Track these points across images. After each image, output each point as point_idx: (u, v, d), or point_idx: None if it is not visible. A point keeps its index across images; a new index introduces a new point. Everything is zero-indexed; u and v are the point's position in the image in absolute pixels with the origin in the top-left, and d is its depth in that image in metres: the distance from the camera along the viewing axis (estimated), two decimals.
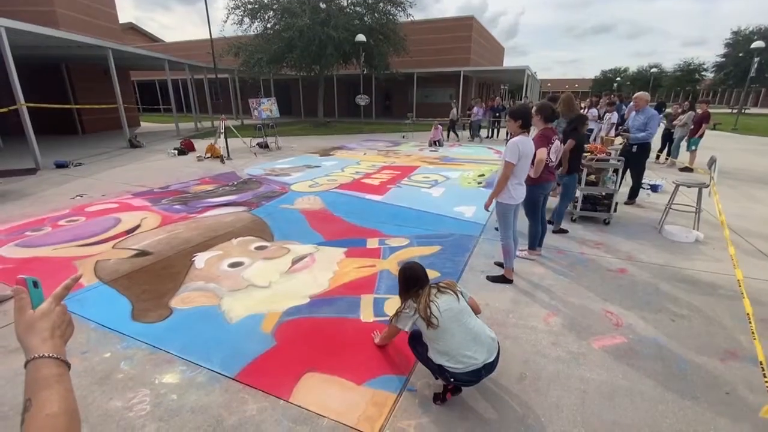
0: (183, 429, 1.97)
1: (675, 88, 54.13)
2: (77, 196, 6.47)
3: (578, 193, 5.24)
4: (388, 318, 2.89)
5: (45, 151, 9.21)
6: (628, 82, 61.15)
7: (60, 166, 8.89)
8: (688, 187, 4.83)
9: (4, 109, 8.47)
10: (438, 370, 2.06)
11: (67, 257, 4.04)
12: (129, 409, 2.10)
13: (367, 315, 2.99)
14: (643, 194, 6.60)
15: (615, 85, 57.27)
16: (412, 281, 2.26)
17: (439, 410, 2.09)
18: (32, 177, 8.00)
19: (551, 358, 2.52)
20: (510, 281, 3.51)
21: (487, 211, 3.56)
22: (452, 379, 2.01)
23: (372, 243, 4.43)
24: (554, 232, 4.75)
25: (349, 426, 1.98)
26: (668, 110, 10.55)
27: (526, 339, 2.72)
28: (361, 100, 17.60)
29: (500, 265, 3.72)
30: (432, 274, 3.61)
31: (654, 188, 6.83)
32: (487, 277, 3.58)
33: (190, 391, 2.22)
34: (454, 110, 15.15)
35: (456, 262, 3.93)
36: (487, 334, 2.09)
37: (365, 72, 19.86)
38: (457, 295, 2.14)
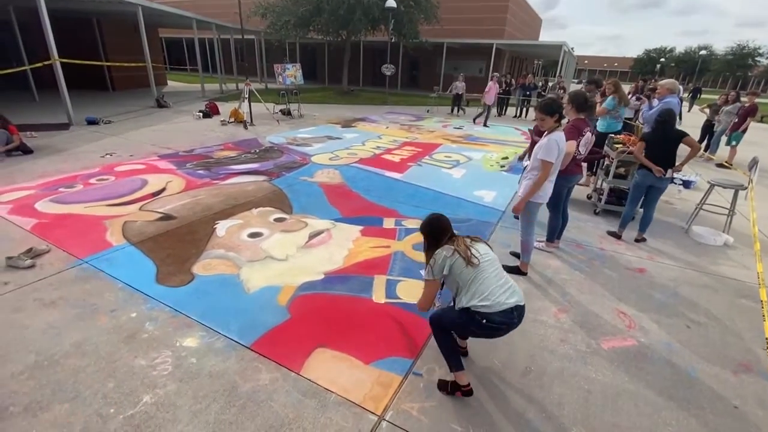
0: (200, 391, 2.11)
1: (724, 72, 50.52)
2: (107, 154, 6.67)
3: (604, 185, 5.08)
4: (398, 301, 2.96)
5: (77, 106, 9.43)
6: (673, 64, 57.30)
7: (91, 122, 9.13)
8: (724, 188, 4.60)
9: (39, 64, 8.65)
10: (471, 321, 2.01)
11: (97, 216, 4.22)
12: (153, 368, 2.25)
13: (379, 296, 3.05)
14: (674, 190, 6.35)
15: (658, 66, 53.80)
16: (443, 230, 2.18)
17: (443, 396, 2.17)
18: (65, 132, 8.26)
19: (558, 354, 2.54)
20: (524, 274, 3.50)
21: (516, 218, 3.38)
22: (484, 321, 1.98)
23: (388, 223, 4.46)
24: (609, 232, 4.46)
25: (355, 403, 2.08)
26: (715, 100, 9.84)
27: (535, 333, 2.74)
28: (387, 70, 17.11)
29: (516, 255, 3.70)
30: None
31: (687, 184, 6.54)
32: (502, 267, 3.57)
33: (208, 356, 2.36)
34: (459, 83, 14.41)
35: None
36: (516, 286, 2.13)
37: (393, 40, 19.21)
38: (489, 246, 2.21)
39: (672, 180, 4.54)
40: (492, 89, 12.25)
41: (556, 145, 3.04)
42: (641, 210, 4.47)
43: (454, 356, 2.17)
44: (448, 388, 2.19)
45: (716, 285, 3.52)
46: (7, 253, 3.30)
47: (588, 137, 3.67)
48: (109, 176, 5.55)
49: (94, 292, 2.93)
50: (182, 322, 2.66)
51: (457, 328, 2.19)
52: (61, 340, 2.43)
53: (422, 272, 2.13)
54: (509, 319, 2.01)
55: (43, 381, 2.13)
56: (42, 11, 8.08)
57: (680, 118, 8.48)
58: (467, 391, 2.15)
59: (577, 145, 3.56)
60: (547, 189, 3.26)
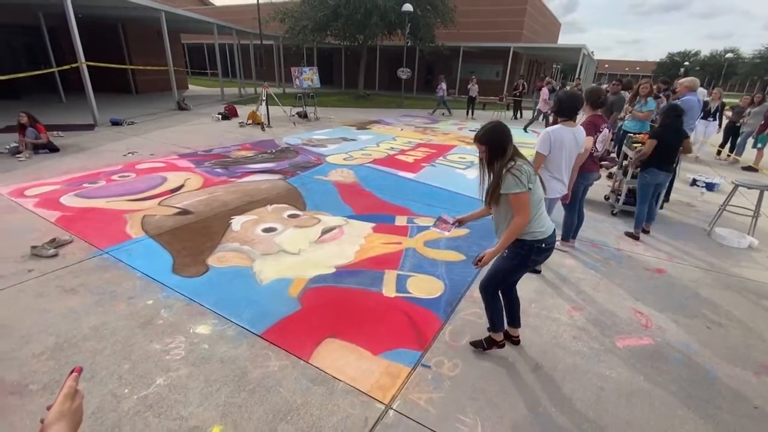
0: (212, 376, 2.15)
1: (751, 76, 48.82)
2: (129, 153, 6.88)
3: (624, 186, 4.97)
4: (409, 295, 2.95)
5: (102, 108, 9.79)
6: (698, 68, 55.67)
7: (115, 123, 9.44)
8: (749, 188, 4.44)
9: (66, 66, 9.02)
10: (527, 251, 2.10)
11: (118, 210, 4.36)
12: (166, 353, 2.31)
13: (389, 290, 3.05)
14: (697, 192, 6.17)
15: (682, 70, 52.41)
16: (509, 137, 2.03)
17: (451, 388, 2.15)
18: (90, 132, 8.57)
19: (570, 351, 2.49)
20: (537, 272, 3.45)
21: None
22: (543, 245, 2.11)
23: (400, 220, 4.46)
24: (626, 233, 4.37)
25: (362, 392, 2.08)
26: (736, 101, 9.58)
27: (547, 330, 2.69)
28: (403, 73, 17.18)
29: None
30: (457, 257, 3.63)
31: (710, 187, 6.34)
32: None
33: (220, 343, 2.40)
34: (474, 86, 14.53)
35: (483, 247, 3.83)
36: None
37: (409, 44, 19.31)
38: None
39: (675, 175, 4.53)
40: (545, 95, 11.87)
41: (548, 137, 3.01)
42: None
43: (501, 317, 2.36)
44: (484, 344, 2.39)
45: (739, 287, 3.40)
46: (32, 242, 3.43)
47: (605, 134, 3.60)
48: (131, 173, 5.73)
49: (113, 281, 3.03)
50: (196, 310, 2.71)
51: (515, 269, 2.25)
52: (80, 324, 2.51)
53: (509, 186, 1.95)
54: (554, 240, 2.19)
55: (62, 362, 2.20)
56: (69, 16, 8.44)
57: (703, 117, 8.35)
58: (502, 345, 2.39)
59: (594, 142, 3.50)
60: (553, 186, 3.15)
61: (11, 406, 1.92)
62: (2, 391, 1.99)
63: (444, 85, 14.74)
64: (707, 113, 8.69)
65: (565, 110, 3.10)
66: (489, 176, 2.11)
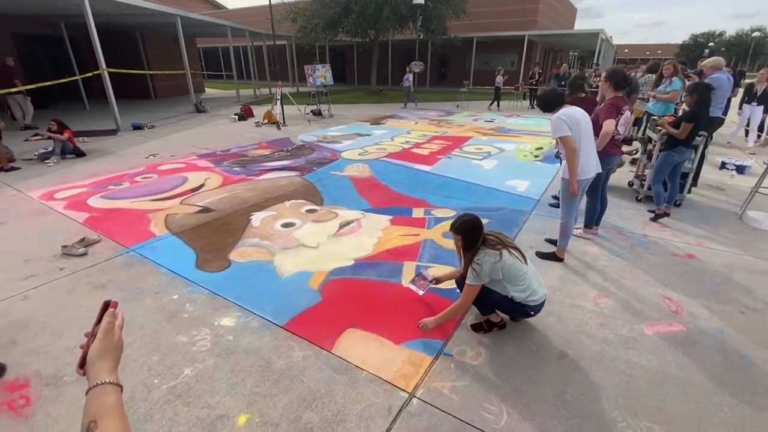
0: (237, 366, 2.19)
1: None
2: (150, 155, 7.07)
3: (649, 171, 4.81)
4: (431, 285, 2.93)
5: (123, 114, 10.08)
6: (723, 48, 53.30)
7: (136, 127, 9.71)
8: None
9: (89, 74, 9.33)
10: (516, 308, 2.32)
11: (142, 209, 4.48)
12: (192, 344, 2.36)
13: (408, 281, 3.04)
14: (726, 176, 5.92)
15: (706, 51, 50.27)
16: (480, 228, 2.29)
17: (474, 376, 2.13)
18: (113, 137, 8.84)
19: (597, 339, 2.43)
20: (561, 260, 3.37)
21: (575, 195, 3.14)
22: (531, 313, 2.35)
23: (417, 213, 4.44)
24: (650, 211, 4.29)
25: (385, 380, 2.08)
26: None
27: (572, 318, 2.63)
28: (416, 66, 17.05)
29: (552, 242, 3.57)
30: None
31: (740, 169, 6.07)
32: (537, 253, 3.46)
33: (244, 335, 2.44)
34: (499, 77, 14.30)
35: None
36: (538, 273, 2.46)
37: (421, 37, 19.14)
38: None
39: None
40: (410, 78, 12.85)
41: (562, 121, 2.96)
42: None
43: (491, 308, 2.43)
44: (484, 327, 2.44)
45: None
46: (63, 242, 3.57)
47: (627, 116, 3.49)
48: (153, 174, 5.88)
49: (139, 277, 3.12)
50: (220, 303, 2.77)
51: (500, 308, 2.41)
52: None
53: (461, 268, 2.43)
54: (542, 306, 2.37)
55: None
56: (90, 24, 8.69)
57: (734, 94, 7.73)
58: (503, 325, 2.46)
59: (616, 125, 3.39)
60: (590, 163, 3.12)
61: (48, 397, 2.00)
62: (39, 383, 2.08)
63: (410, 75, 14.56)
64: (752, 96, 7.83)
65: (546, 104, 3.16)
66: (462, 260, 2.43)
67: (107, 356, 0.70)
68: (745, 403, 1.97)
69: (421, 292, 2.69)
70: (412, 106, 14.73)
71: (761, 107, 7.75)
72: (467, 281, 2.28)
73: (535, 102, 14.71)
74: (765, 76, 7.75)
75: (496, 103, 14.50)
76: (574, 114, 3.00)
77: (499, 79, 14.26)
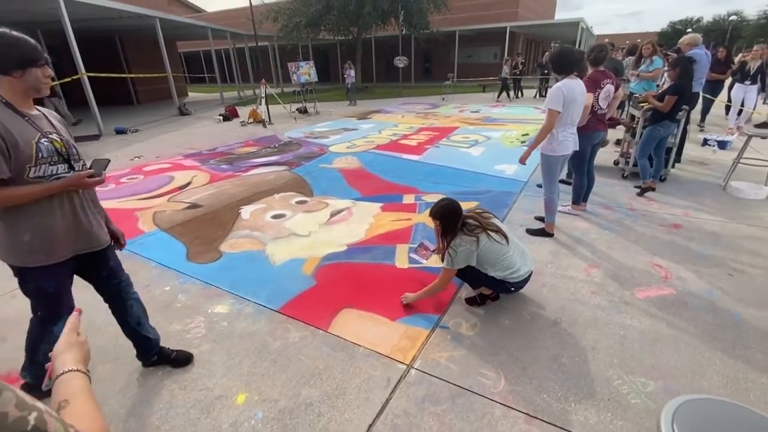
0: (233, 350, 2.17)
1: (758, 38, 47.39)
2: (135, 157, 6.96)
3: (633, 149, 4.88)
4: (421, 265, 2.94)
5: (106, 120, 9.89)
6: (701, 34, 54.22)
7: (119, 132, 9.55)
8: (763, 138, 4.34)
9: (67, 79, 9.13)
10: (498, 285, 2.33)
11: (129, 208, 4.41)
12: (187, 332, 2.34)
13: (402, 262, 3.05)
14: (709, 151, 6.04)
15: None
16: (458, 214, 2.29)
17: (471, 346, 2.14)
18: (96, 142, 8.68)
19: (590, 305, 2.46)
20: (550, 235, 3.41)
21: (523, 164, 3.29)
22: (512, 289, 2.36)
23: (408, 199, 4.44)
24: (639, 193, 4.30)
25: (383, 354, 2.09)
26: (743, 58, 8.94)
27: (564, 288, 2.66)
28: (400, 61, 17.04)
29: (541, 219, 3.61)
30: None
31: (722, 144, 6.20)
32: (527, 230, 3.50)
33: (239, 320, 2.42)
34: (506, 68, 14.24)
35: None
36: (527, 249, 2.48)
37: (404, 32, 19.15)
38: (497, 216, 2.43)
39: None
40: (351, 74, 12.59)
41: (561, 93, 2.94)
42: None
43: (478, 283, 2.45)
44: (478, 300, 2.46)
45: (760, 236, 3.32)
46: None
47: (608, 89, 3.53)
48: (138, 175, 5.79)
49: (130, 272, 3.00)
50: (213, 292, 2.74)
51: (484, 285, 2.42)
52: (101, 312, 2.54)
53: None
54: (526, 282, 2.40)
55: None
56: (67, 29, 8.50)
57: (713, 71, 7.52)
58: (495, 297, 2.48)
59: (596, 99, 3.43)
60: (568, 142, 3.13)
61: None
62: None
63: (352, 72, 14.48)
64: (745, 75, 7.46)
65: (559, 66, 3.04)
66: (442, 244, 2.41)
67: (73, 349, 0.74)
68: (737, 357, 2.01)
69: (424, 261, 2.72)
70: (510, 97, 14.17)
71: (755, 87, 7.46)
72: (443, 264, 2.34)
73: (519, 91, 14.71)
74: (759, 53, 7.44)
75: (505, 94, 14.05)
76: (574, 88, 3.00)
77: (506, 70, 13.93)
